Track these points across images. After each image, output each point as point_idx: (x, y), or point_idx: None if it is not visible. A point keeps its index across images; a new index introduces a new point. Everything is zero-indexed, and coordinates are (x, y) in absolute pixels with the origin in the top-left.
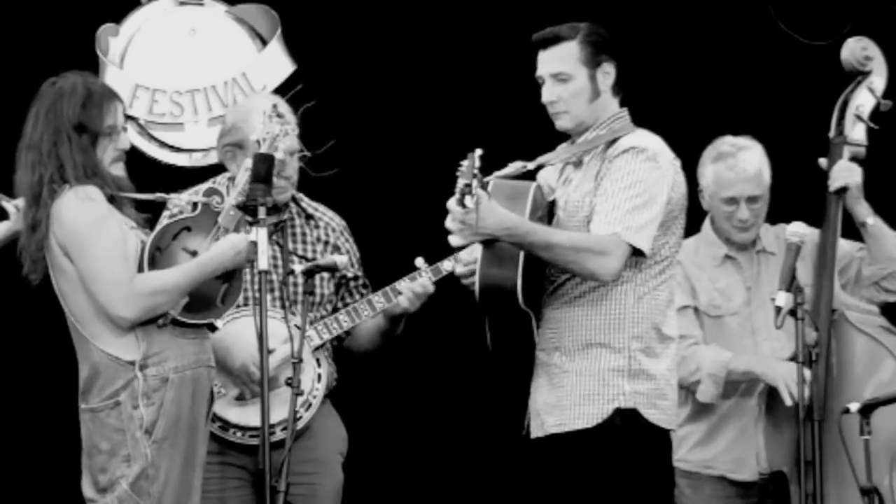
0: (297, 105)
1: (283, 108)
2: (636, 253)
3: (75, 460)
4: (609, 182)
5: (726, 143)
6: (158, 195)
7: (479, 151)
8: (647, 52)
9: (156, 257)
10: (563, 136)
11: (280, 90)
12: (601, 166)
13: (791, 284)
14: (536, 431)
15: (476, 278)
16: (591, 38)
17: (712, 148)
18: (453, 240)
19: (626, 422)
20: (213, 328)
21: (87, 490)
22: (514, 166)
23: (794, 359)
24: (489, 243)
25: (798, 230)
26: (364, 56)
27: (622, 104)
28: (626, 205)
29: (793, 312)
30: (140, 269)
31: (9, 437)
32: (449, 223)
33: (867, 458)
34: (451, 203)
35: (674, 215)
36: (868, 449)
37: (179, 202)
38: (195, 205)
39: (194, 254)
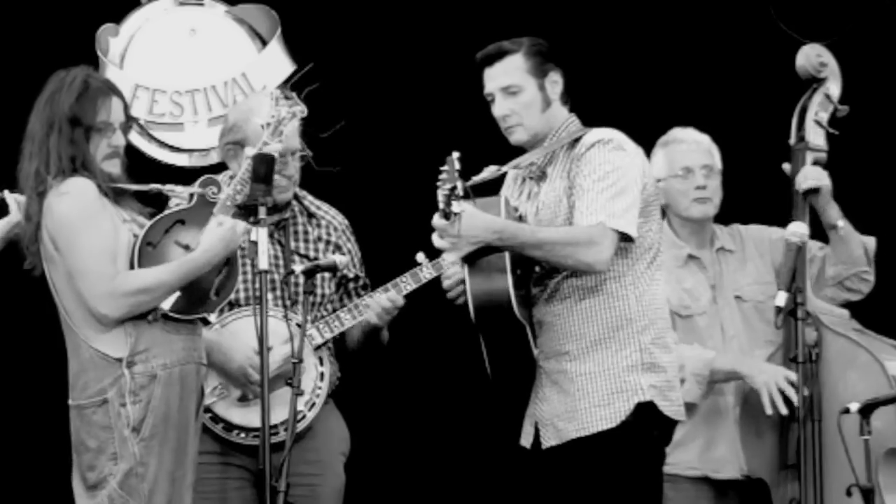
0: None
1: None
2: (624, 239)
3: (68, 456)
4: (582, 177)
5: (672, 131)
6: (153, 186)
7: (456, 154)
8: (646, 54)
9: (147, 252)
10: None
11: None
12: (570, 165)
13: (791, 284)
14: (549, 440)
15: (468, 298)
16: (534, 48)
17: (660, 139)
18: (448, 256)
19: (642, 417)
20: (206, 322)
21: (77, 486)
22: (489, 170)
23: (794, 359)
24: (474, 260)
25: (798, 230)
26: (364, 55)
27: (570, 111)
28: (604, 195)
29: (793, 312)
30: (131, 266)
31: (2, 433)
32: (437, 241)
33: (867, 457)
34: (436, 220)
35: (650, 201)
36: (868, 448)
37: (179, 195)
38: (191, 196)
39: (187, 248)
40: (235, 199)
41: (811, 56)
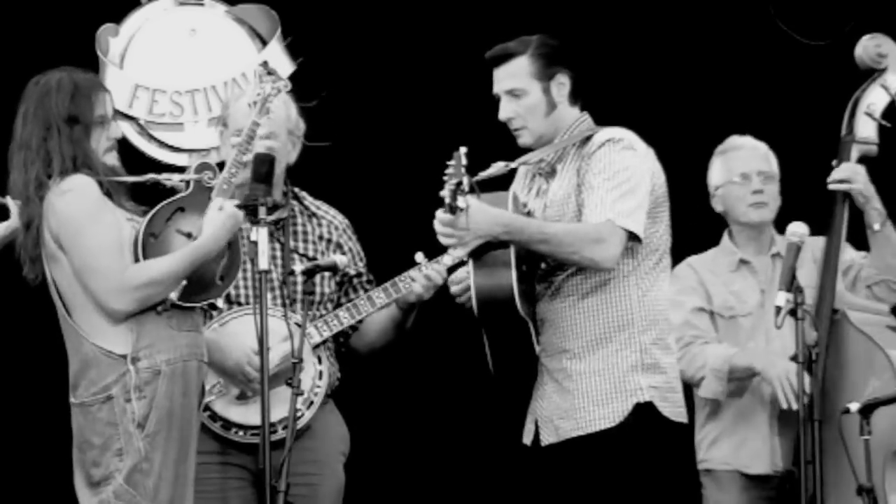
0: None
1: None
2: (631, 238)
3: (69, 455)
4: (592, 175)
5: (730, 139)
6: (149, 176)
7: (463, 149)
8: (646, 55)
9: (150, 244)
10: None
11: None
12: (580, 163)
13: (791, 284)
14: (548, 438)
15: (472, 292)
16: (541, 50)
17: (718, 148)
18: (453, 252)
19: (641, 417)
20: (214, 307)
21: (80, 485)
22: (497, 166)
23: (794, 358)
24: (479, 254)
25: (798, 230)
26: (364, 55)
27: (583, 109)
28: (613, 193)
29: (793, 312)
30: (136, 259)
31: (2, 434)
32: (442, 233)
33: (867, 457)
34: (439, 214)
35: (658, 202)
36: (868, 448)
37: (173, 183)
38: (188, 183)
39: (189, 235)
40: (231, 181)
41: (869, 47)
